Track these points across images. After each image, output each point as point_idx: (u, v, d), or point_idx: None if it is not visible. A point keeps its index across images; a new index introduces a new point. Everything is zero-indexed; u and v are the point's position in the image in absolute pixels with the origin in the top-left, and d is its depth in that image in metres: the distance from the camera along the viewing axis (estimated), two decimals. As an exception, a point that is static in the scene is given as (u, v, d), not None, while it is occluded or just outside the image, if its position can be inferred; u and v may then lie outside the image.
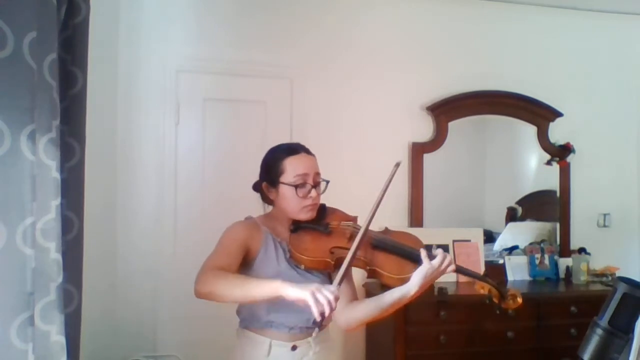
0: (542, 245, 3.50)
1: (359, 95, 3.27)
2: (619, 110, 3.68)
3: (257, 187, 1.72)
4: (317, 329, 1.42)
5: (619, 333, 1.06)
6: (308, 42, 3.21)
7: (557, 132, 3.55)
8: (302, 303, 1.34)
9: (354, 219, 1.71)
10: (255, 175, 1.72)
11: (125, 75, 2.97)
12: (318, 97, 3.21)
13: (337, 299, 1.34)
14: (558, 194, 3.57)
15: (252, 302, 1.49)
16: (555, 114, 3.51)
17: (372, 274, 1.60)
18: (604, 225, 3.63)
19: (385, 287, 1.60)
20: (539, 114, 3.51)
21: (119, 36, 2.95)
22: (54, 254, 1.29)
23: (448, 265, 1.53)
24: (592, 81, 3.64)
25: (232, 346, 1.70)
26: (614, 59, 3.68)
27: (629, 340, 1.07)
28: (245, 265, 1.60)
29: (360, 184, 3.05)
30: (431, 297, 2.77)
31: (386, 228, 1.75)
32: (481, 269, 3.30)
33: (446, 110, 3.36)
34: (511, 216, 3.62)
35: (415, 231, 3.31)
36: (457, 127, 3.40)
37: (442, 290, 2.80)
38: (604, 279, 3.32)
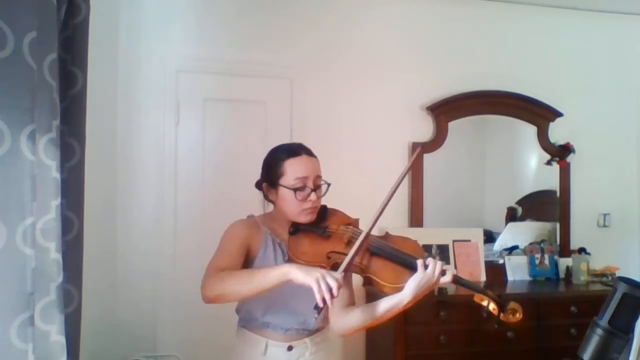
0: (542, 245, 3.50)
1: (359, 96, 3.27)
2: (618, 110, 3.68)
3: (259, 185, 1.70)
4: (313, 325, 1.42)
5: (619, 333, 1.06)
6: (308, 42, 3.21)
7: (557, 132, 3.55)
8: (307, 287, 1.35)
9: (355, 221, 1.69)
10: (255, 175, 1.71)
11: (125, 75, 2.97)
12: (318, 97, 3.21)
13: (340, 286, 1.36)
14: (558, 194, 3.57)
15: (263, 292, 1.46)
16: (555, 114, 3.51)
17: (367, 280, 1.57)
18: (604, 225, 3.63)
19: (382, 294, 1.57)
20: (539, 114, 3.52)
21: (119, 36, 2.95)
22: (54, 254, 1.29)
23: (440, 273, 1.49)
24: (592, 81, 3.64)
25: (232, 346, 1.71)
26: (614, 59, 3.69)
27: (629, 340, 1.07)
28: (244, 264, 1.60)
29: (361, 184, 3.06)
30: (431, 297, 2.76)
31: (387, 233, 1.73)
32: (481, 269, 3.30)
33: (446, 110, 3.36)
34: (511, 216, 3.62)
35: (415, 231, 3.34)
36: (457, 127, 3.40)
37: (442, 290, 2.79)
38: (604, 279, 3.32)
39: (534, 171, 3.66)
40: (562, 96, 3.53)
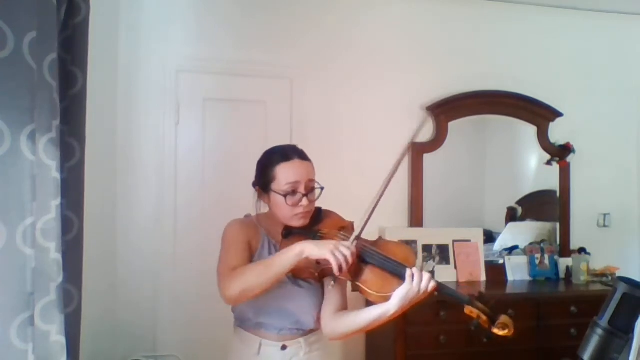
0: (542, 245, 3.49)
1: (359, 96, 3.27)
2: (618, 110, 3.68)
3: (255, 186, 1.70)
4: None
5: (619, 333, 1.06)
6: (308, 42, 3.21)
7: (557, 132, 3.55)
8: (324, 261, 1.43)
9: (350, 224, 1.68)
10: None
11: (125, 75, 2.97)
12: (318, 97, 3.21)
13: (353, 254, 1.44)
14: (558, 194, 3.57)
15: (282, 276, 1.49)
16: (555, 114, 3.51)
17: (355, 288, 1.53)
18: (604, 225, 3.63)
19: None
20: (538, 114, 3.51)
21: (119, 36, 2.95)
22: (54, 254, 1.29)
23: (427, 285, 1.45)
24: (592, 81, 3.64)
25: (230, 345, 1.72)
26: (614, 59, 3.68)
27: (629, 340, 1.07)
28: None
29: (360, 184, 3.04)
30: (431, 297, 2.76)
31: (379, 237, 1.68)
32: (481, 269, 3.30)
33: (446, 110, 3.36)
34: (511, 216, 3.62)
35: (415, 231, 3.34)
36: (457, 127, 3.40)
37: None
38: (604, 279, 3.32)
39: (534, 171, 3.66)
40: (562, 96, 3.53)
